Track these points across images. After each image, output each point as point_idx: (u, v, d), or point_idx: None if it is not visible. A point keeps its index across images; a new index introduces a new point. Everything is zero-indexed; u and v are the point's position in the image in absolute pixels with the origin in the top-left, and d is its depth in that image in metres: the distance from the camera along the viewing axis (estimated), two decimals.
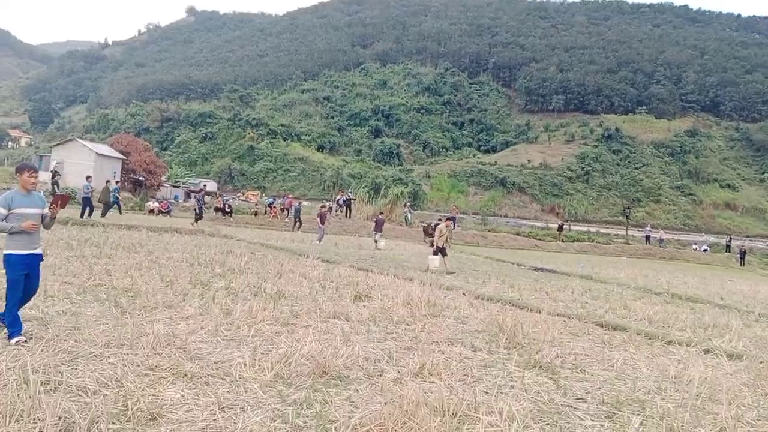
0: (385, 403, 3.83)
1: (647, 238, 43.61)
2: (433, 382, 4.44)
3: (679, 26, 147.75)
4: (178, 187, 40.96)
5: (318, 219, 21.35)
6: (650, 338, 6.89)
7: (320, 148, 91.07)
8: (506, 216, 67.34)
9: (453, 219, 19.39)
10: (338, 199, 34.77)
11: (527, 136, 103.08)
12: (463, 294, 9.42)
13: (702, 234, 62.73)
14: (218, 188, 57.12)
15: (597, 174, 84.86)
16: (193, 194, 37.15)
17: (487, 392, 4.30)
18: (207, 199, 32.90)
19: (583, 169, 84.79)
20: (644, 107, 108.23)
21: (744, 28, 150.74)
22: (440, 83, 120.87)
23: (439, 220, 28.22)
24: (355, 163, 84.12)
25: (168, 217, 28.50)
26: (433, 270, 13.18)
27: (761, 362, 5.73)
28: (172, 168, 56.26)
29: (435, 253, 14.06)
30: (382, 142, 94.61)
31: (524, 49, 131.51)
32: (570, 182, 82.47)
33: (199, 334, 5.40)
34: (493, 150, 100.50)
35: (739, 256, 38.14)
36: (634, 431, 3.66)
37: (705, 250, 42.70)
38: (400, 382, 4.38)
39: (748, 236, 63.47)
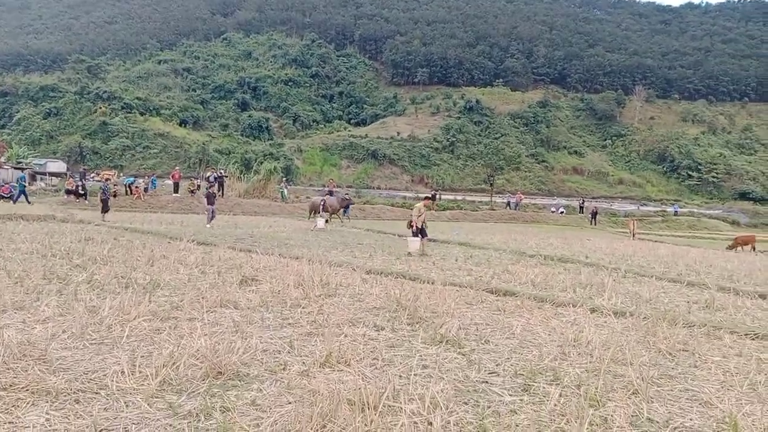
0: (296, 402, 3.43)
1: (508, 203, 46.73)
2: (342, 370, 4.10)
3: (530, 2, 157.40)
4: (22, 169, 36.31)
5: (205, 199, 19.89)
6: (540, 301, 7.09)
7: (183, 123, 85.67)
8: (379, 188, 68.49)
9: (433, 197, 18.14)
10: (208, 176, 32.92)
11: (395, 109, 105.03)
12: (353, 269, 9.16)
13: (555, 197, 68.41)
14: (68, 169, 51.64)
15: (461, 144, 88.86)
16: (76, 177, 33.16)
17: (401, 376, 4.04)
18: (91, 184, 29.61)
19: (448, 140, 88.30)
20: (501, 80, 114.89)
21: (586, 4, 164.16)
22: (307, 55, 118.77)
23: (347, 195, 27.94)
24: (222, 138, 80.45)
25: (12, 203, 25.14)
26: (413, 253, 12.37)
27: (645, 318, 6.08)
28: (12, 148, 49.84)
29: (415, 235, 13.06)
30: (250, 116, 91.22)
31: (389, 22, 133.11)
32: (437, 153, 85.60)
33: (62, 340, 4.57)
34: (364, 123, 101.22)
35: (590, 216, 42.05)
36: (555, 403, 3.60)
37: (562, 212, 46.50)
38: (308, 375, 3.98)
39: (593, 198, 70.14)
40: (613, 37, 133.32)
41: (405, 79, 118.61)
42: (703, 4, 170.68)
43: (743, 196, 76.78)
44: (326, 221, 21.57)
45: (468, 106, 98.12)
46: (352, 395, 3.43)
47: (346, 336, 5.04)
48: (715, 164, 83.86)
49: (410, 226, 13.37)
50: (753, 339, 5.87)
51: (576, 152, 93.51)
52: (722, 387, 4.20)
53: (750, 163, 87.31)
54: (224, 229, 17.09)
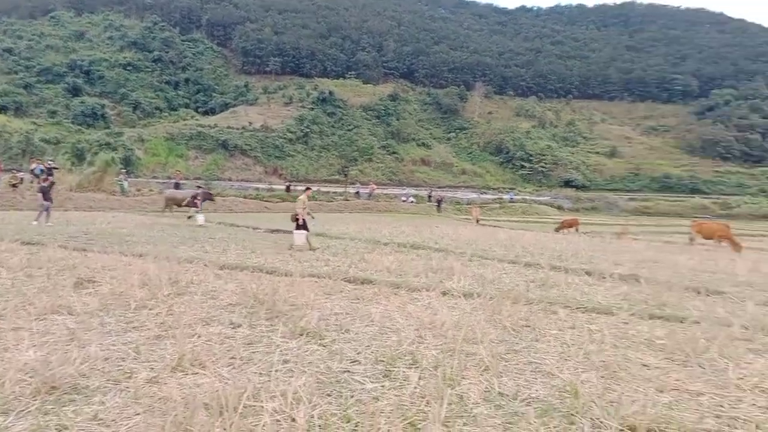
0: (145, 413, 3.14)
1: (357, 193, 47.90)
2: (197, 374, 3.85)
3: None
4: None
5: (40, 195, 17.38)
6: (395, 288, 7.29)
7: (2, 109, 75.24)
8: (230, 179, 65.99)
9: (308, 188, 17.18)
10: (33, 169, 29.29)
11: (247, 98, 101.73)
12: (205, 265, 8.70)
13: (404, 187, 71.17)
14: None
15: (315, 135, 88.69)
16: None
17: (261, 374, 3.90)
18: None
19: (302, 131, 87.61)
20: (353, 72, 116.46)
21: (432, 2, 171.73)
22: (149, 38, 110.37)
23: (197, 187, 25.74)
24: (49, 126, 71.99)
25: None
26: (299, 248, 11.68)
27: (491, 298, 6.51)
28: None
29: (298, 228, 12.40)
30: (82, 102, 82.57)
31: (238, 8, 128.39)
32: (291, 144, 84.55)
33: None
34: (212, 111, 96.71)
35: (436, 204, 44.39)
36: (415, 386, 3.70)
37: (412, 201, 48.47)
38: (158, 382, 3.68)
39: (439, 187, 74.05)
40: (456, 35, 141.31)
41: (256, 67, 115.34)
42: (535, 8, 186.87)
43: (567, 183, 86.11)
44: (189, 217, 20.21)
45: (321, 98, 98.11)
46: (209, 399, 3.23)
47: (199, 336, 4.75)
48: (543, 155, 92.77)
49: (295, 219, 13.02)
50: (583, 312, 6.56)
51: (424, 144, 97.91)
52: (561, 358, 4.62)
53: (573, 154, 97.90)
54: (54, 226, 15.32)
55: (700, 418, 3.53)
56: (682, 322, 6.25)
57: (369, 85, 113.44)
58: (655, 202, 73.01)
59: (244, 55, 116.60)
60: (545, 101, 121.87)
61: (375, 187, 51.21)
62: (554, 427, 3.24)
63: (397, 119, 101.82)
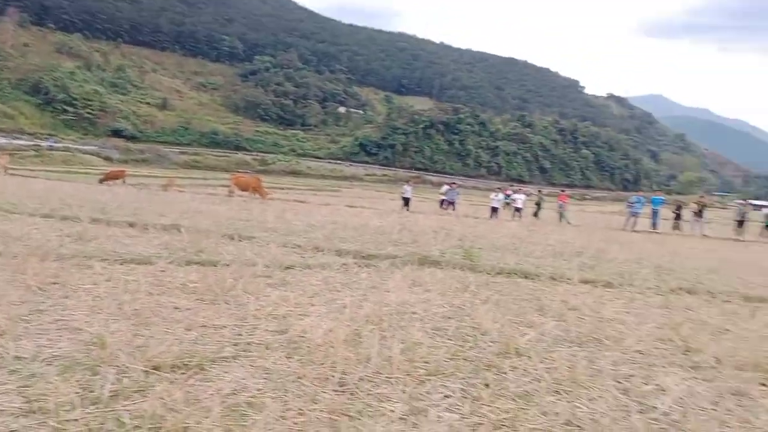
0: None
1: None
2: None
3: None
4: None
5: None
6: None
7: None
8: None
9: None
10: None
11: None
12: None
13: None
14: None
15: None
16: None
17: None
18: None
19: None
20: None
21: None
22: None
23: None
24: None
25: None
26: None
27: (14, 257, 5.69)
28: None
29: None
30: None
31: None
32: None
33: None
34: None
35: None
36: None
37: None
38: None
39: None
40: None
41: None
42: None
43: (116, 133, 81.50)
44: None
45: None
46: None
47: None
48: (90, 100, 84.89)
49: None
50: (121, 264, 6.44)
51: None
52: (92, 312, 4.45)
53: (123, 102, 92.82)
54: None
55: (221, 347, 4.00)
56: (215, 265, 6.85)
57: None
58: (204, 156, 76.88)
59: None
60: (92, 41, 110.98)
61: None
62: (77, 380, 3.14)
63: None
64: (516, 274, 8.03)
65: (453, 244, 11.20)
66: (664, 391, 3.68)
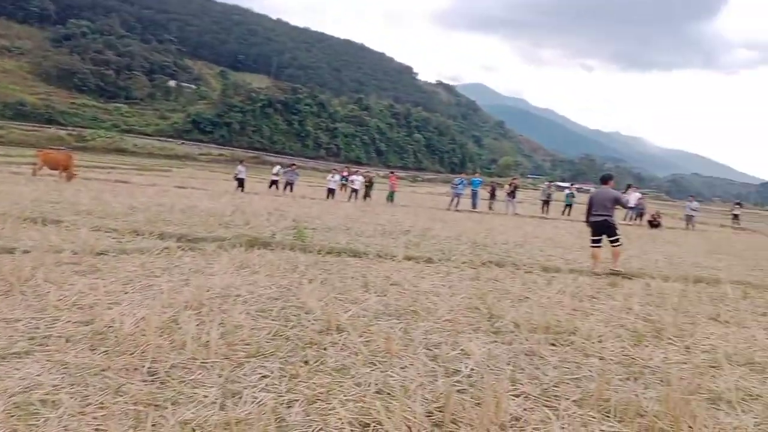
0: None
1: None
2: None
3: None
4: None
5: None
6: None
7: None
8: None
9: None
10: None
11: None
12: None
13: None
14: None
15: None
16: None
17: None
18: None
19: None
20: None
21: None
22: None
23: None
24: None
25: None
26: None
27: None
28: None
29: None
30: None
31: None
32: None
33: None
34: None
35: None
36: None
37: None
38: None
39: None
40: None
41: None
42: None
43: None
44: None
45: None
46: None
47: None
48: None
49: None
50: None
51: None
52: None
53: None
54: None
55: (12, 343, 3.58)
56: (11, 253, 6.10)
57: None
58: (9, 130, 67.20)
59: None
60: None
61: None
62: None
63: None
64: (346, 253, 8.25)
65: (286, 225, 11.18)
66: (468, 355, 4.05)
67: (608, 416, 3.18)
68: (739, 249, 15.94)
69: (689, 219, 24.41)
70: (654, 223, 21.87)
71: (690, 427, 3.02)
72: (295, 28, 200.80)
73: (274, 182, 24.77)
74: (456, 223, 15.96)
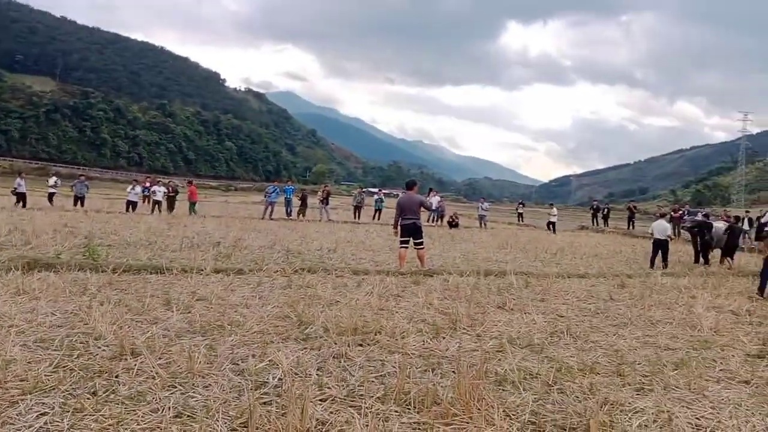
0: None
1: None
2: None
3: None
4: None
5: None
6: None
7: None
8: None
9: None
10: None
11: None
12: None
13: None
14: None
15: None
16: None
17: None
18: None
19: None
20: None
21: None
22: None
23: None
24: None
25: None
26: None
27: None
28: None
29: None
30: None
31: None
32: None
33: None
34: None
35: None
36: None
37: None
38: None
39: None
40: None
41: None
42: None
43: None
44: None
45: None
46: None
47: None
48: None
49: None
50: None
51: None
52: None
53: None
54: None
55: None
56: None
57: None
58: None
59: None
60: None
61: None
62: None
63: None
64: (146, 270, 7.64)
65: (76, 243, 10.03)
66: (276, 365, 3.97)
67: (408, 408, 3.36)
68: (522, 243, 18.08)
69: (481, 218, 27.13)
70: (453, 223, 23.91)
71: (479, 409, 3.31)
72: (84, 27, 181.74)
73: (53, 195, 22.41)
74: (270, 231, 15.74)
